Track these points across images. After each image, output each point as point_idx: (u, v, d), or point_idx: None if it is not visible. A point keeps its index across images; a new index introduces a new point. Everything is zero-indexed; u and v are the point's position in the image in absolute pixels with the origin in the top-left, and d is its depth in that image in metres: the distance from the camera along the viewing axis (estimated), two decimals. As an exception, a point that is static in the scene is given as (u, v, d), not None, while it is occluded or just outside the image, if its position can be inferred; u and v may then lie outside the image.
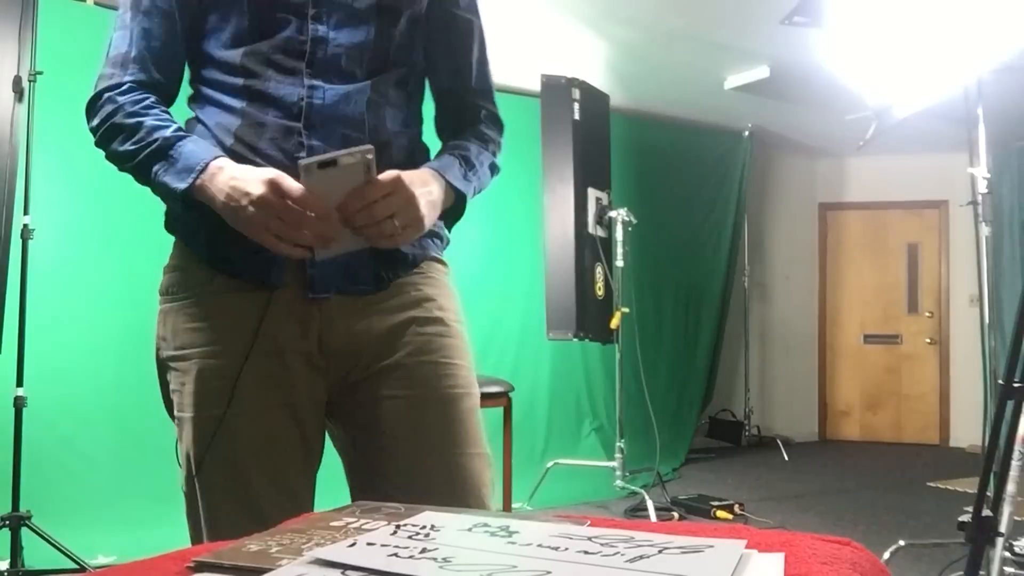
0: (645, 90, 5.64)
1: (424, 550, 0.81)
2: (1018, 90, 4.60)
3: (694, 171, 6.37)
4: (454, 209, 1.24)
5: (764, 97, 5.61)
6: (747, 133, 6.46)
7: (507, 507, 3.25)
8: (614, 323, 4.48)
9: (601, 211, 4.57)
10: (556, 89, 4.50)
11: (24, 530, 2.89)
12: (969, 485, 4.97)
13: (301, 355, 1.18)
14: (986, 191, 3.15)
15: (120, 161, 1.21)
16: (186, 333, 1.19)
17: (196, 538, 1.25)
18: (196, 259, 1.20)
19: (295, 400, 1.18)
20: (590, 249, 4.49)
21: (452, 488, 1.19)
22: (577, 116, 4.46)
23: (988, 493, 2.00)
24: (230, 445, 1.16)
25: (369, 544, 0.85)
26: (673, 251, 6.20)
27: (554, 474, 4.60)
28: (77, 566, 2.89)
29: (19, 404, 2.96)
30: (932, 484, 5.20)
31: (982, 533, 1.86)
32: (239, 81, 1.18)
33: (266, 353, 1.16)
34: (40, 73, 3.04)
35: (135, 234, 4.02)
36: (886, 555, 3.15)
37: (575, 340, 4.47)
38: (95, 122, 1.24)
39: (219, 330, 1.17)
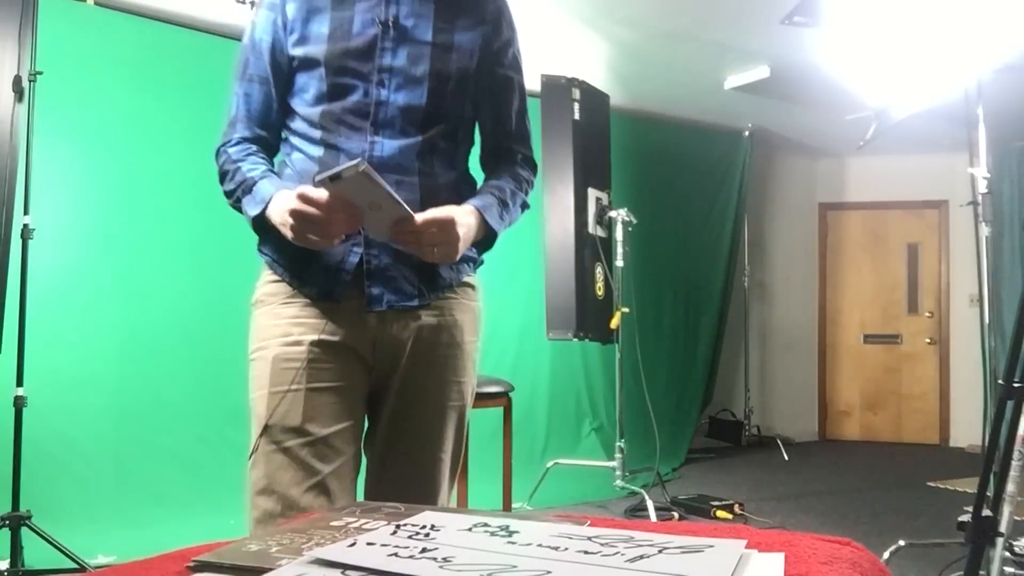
0: (645, 90, 5.64)
1: (424, 550, 0.81)
2: (1018, 90, 4.60)
3: (694, 171, 6.37)
4: (486, 241, 1.55)
5: (764, 97, 5.61)
6: (747, 133, 6.46)
7: (507, 507, 3.25)
8: (614, 323, 4.48)
9: (601, 211, 4.57)
10: (556, 89, 4.50)
11: (24, 530, 2.89)
12: (969, 485, 4.97)
13: (355, 353, 1.45)
14: (986, 191, 3.15)
15: (227, 197, 1.51)
16: (267, 329, 1.45)
17: (252, 502, 1.43)
18: (279, 279, 1.48)
19: (345, 384, 1.44)
20: (590, 249, 4.49)
21: (411, 478, 1.50)
22: (577, 116, 4.46)
23: (988, 493, 2.00)
24: (292, 412, 1.40)
25: (369, 544, 0.85)
26: (673, 251, 6.20)
27: (554, 474, 4.60)
28: (77, 566, 2.90)
29: (19, 404, 2.96)
30: (932, 484, 5.20)
31: (982, 533, 1.86)
32: (317, 134, 1.45)
33: (327, 348, 1.43)
34: (40, 73, 3.04)
35: (135, 234, 4.03)
36: (886, 555, 3.15)
37: (575, 340, 4.47)
38: (217, 170, 1.52)
39: (293, 328, 1.43)
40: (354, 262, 1.42)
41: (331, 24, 1.43)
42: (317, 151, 1.45)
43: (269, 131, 1.53)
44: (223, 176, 1.50)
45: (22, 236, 2.98)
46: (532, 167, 1.67)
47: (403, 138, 1.44)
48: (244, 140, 1.50)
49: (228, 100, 1.53)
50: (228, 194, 1.50)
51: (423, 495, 1.49)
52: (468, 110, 1.53)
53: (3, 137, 3.00)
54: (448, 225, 1.33)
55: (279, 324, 1.44)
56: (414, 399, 1.50)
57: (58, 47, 3.62)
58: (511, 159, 1.62)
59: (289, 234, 1.32)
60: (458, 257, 1.40)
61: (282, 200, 1.34)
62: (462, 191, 1.52)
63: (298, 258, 1.43)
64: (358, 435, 1.48)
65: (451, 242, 1.35)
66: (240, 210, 1.47)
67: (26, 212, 3.01)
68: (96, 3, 3.97)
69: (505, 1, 1.56)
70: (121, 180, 3.99)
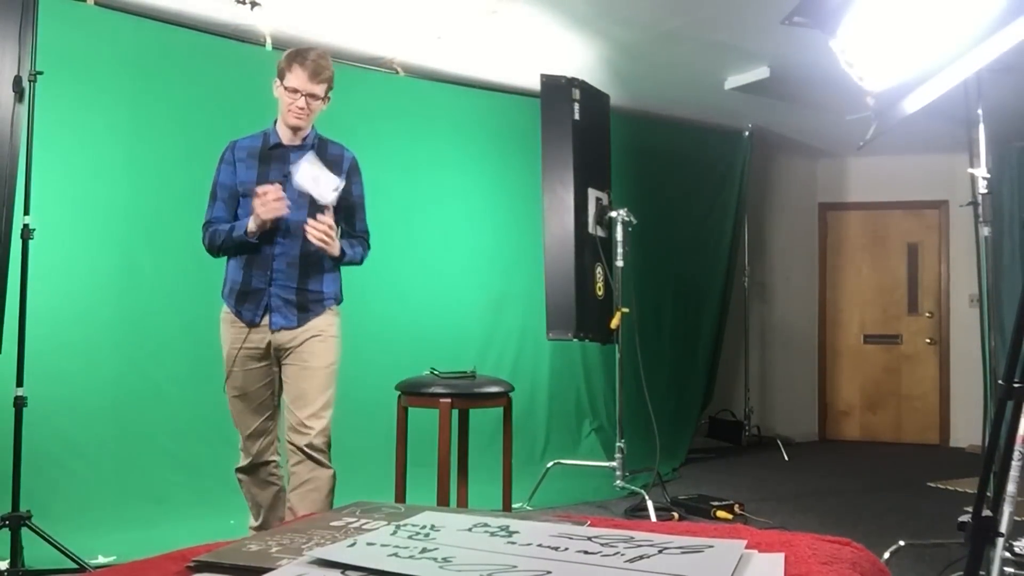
0: (645, 90, 5.64)
1: (424, 550, 0.81)
2: (1018, 90, 4.60)
3: (694, 171, 6.37)
4: (338, 260, 2.76)
5: (764, 97, 5.61)
6: (747, 133, 6.46)
7: (507, 507, 3.25)
8: (614, 323, 4.48)
9: (601, 211, 4.56)
10: (556, 89, 4.49)
11: (24, 530, 2.89)
12: (969, 485, 4.97)
13: (262, 350, 2.71)
14: (986, 191, 3.15)
15: (219, 247, 2.73)
16: (224, 332, 2.76)
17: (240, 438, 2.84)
18: (225, 308, 2.75)
19: (260, 367, 2.73)
20: (590, 249, 4.48)
21: (298, 400, 2.69)
22: (577, 116, 4.46)
23: (988, 493, 2.00)
24: (234, 384, 2.74)
25: (369, 544, 0.85)
26: (673, 251, 6.20)
27: (554, 474, 4.60)
28: (77, 566, 2.90)
29: (19, 404, 2.96)
30: (932, 484, 5.20)
31: (982, 533, 1.86)
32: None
33: (248, 348, 2.70)
34: (40, 73, 3.04)
35: (135, 234, 4.03)
36: (886, 555, 3.15)
37: (575, 340, 4.47)
38: (205, 238, 2.76)
39: (232, 338, 2.73)
40: (264, 304, 2.69)
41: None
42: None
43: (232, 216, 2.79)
44: (212, 237, 2.77)
45: (22, 236, 2.98)
46: (367, 244, 2.91)
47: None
48: (216, 221, 2.78)
49: (208, 203, 2.85)
50: (218, 245, 2.74)
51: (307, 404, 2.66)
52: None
53: (3, 137, 2.99)
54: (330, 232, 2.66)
55: (227, 335, 2.75)
56: (295, 366, 2.70)
57: (58, 47, 3.62)
58: (359, 238, 2.89)
59: (261, 218, 2.58)
60: (331, 253, 2.68)
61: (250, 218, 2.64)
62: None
63: (236, 303, 2.71)
64: (275, 394, 2.77)
65: (330, 238, 2.64)
66: (231, 245, 2.69)
67: (26, 212, 3.01)
68: (96, 3, 3.97)
69: (354, 154, 2.84)
70: (121, 180, 3.99)
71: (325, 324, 2.70)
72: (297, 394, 2.65)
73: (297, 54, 2.66)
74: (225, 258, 2.74)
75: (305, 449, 2.60)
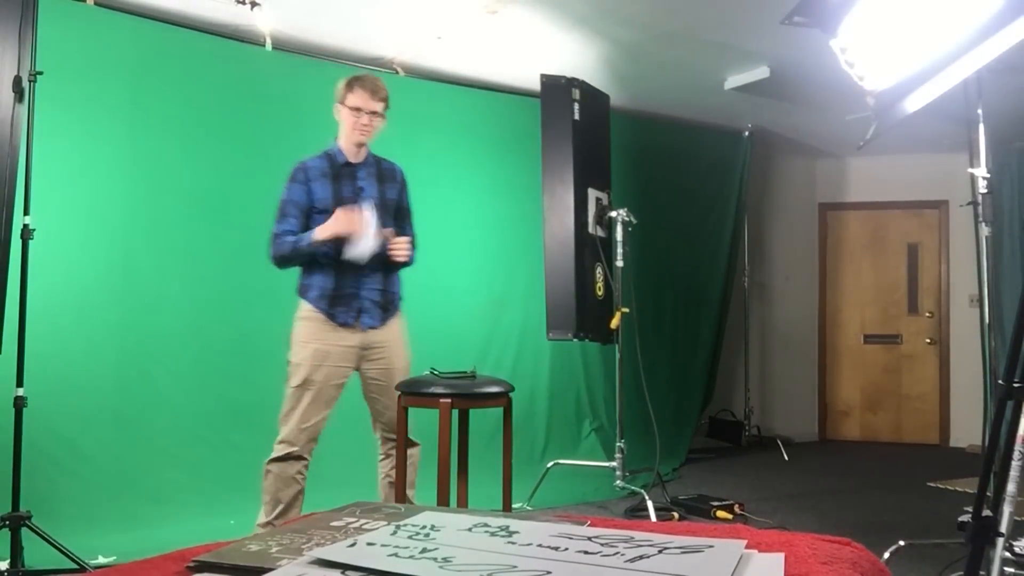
0: (645, 90, 5.64)
1: (424, 550, 0.81)
2: (1018, 90, 4.60)
3: (694, 171, 6.37)
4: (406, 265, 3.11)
5: (764, 97, 5.61)
6: (747, 133, 6.46)
7: (507, 507, 3.25)
8: (614, 323, 4.48)
9: (601, 211, 4.56)
10: (556, 89, 4.49)
11: (24, 530, 2.89)
12: (969, 485, 4.97)
13: (352, 348, 3.00)
14: (986, 191, 3.15)
15: (286, 258, 2.98)
16: (310, 333, 2.97)
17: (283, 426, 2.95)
18: (314, 311, 2.97)
19: (344, 366, 3.00)
20: (590, 249, 4.48)
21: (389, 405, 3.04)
22: (577, 116, 4.46)
23: (988, 493, 2.00)
24: (312, 378, 2.93)
25: (369, 544, 0.85)
26: (673, 251, 6.20)
27: (554, 474, 4.60)
28: (77, 566, 2.90)
29: (19, 404, 2.96)
30: (932, 484, 5.20)
31: (982, 533, 1.86)
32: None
33: (340, 346, 2.97)
34: (40, 73, 3.04)
35: (135, 234, 4.03)
36: (886, 555, 3.15)
37: (575, 340, 4.47)
38: (272, 249, 2.96)
39: (322, 337, 2.96)
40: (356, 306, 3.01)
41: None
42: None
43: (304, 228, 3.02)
44: (280, 247, 2.98)
45: (22, 236, 2.98)
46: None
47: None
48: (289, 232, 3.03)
49: (277, 225, 3.04)
50: (289, 254, 2.97)
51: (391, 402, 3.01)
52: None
53: (3, 137, 3.00)
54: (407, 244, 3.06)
55: (314, 333, 2.97)
56: (379, 370, 3.08)
57: (58, 47, 3.62)
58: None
59: (334, 229, 2.88)
60: (405, 264, 3.08)
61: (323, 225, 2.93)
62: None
63: (325, 302, 2.98)
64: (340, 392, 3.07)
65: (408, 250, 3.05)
66: (300, 254, 2.94)
67: (26, 212, 3.01)
68: (96, 3, 3.97)
69: (402, 170, 3.18)
70: (121, 180, 3.99)
71: (399, 325, 3.12)
72: (386, 390, 3.02)
73: (355, 78, 3.03)
74: (292, 267, 3.03)
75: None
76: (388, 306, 3.05)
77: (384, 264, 3.01)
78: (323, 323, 2.94)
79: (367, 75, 3.08)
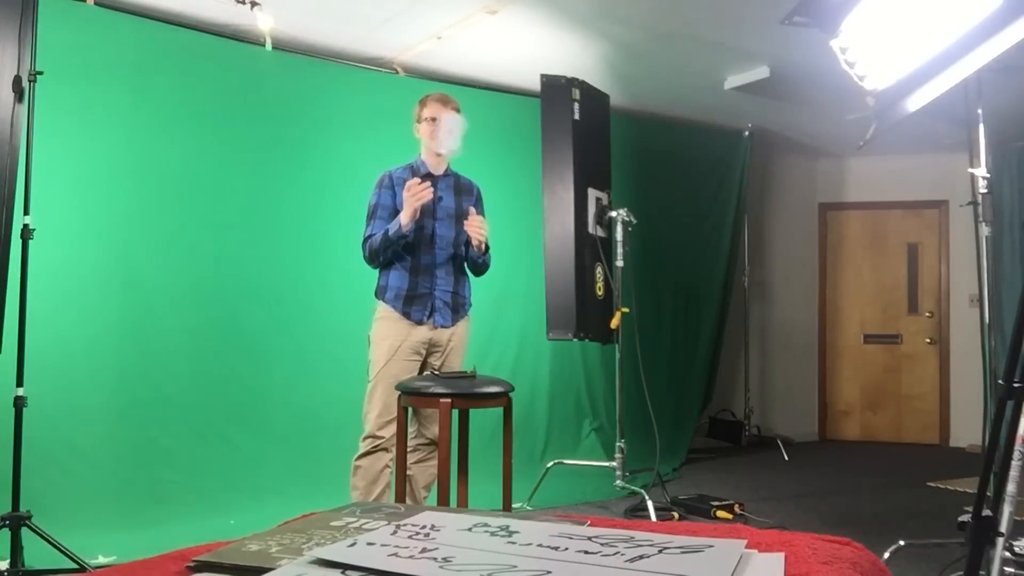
0: (645, 90, 5.64)
1: (424, 550, 0.81)
2: (1018, 90, 4.60)
3: (694, 171, 6.36)
4: (479, 266, 3.34)
5: (764, 97, 5.61)
6: (747, 133, 6.46)
7: (507, 507, 3.25)
8: (614, 323, 4.48)
9: (601, 211, 4.56)
10: (556, 89, 4.49)
11: (24, 530, 2.89)
12: (969, 485, 4.97)
13: (424, 344, 3.17)
14: (986, 191, 3.15)
15: (378, 252, 3.15)
16: (386, 330, 3.16)
17: (369, 419, 3.10)
18: (391, 310, 3.17)
19: (416, 360, 3.16)
20: (590, 249, 4.48)
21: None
22: (577, 116, 4.46)
23: (988, 493, 2.00)
24: (392, 372, 3.05)
25: (369, 544, 0.85)
26: (673, 251, 6.20)
27: (554, 474, 4.60)
28: (77, 566, 2.89)
29: (19, 404, 2.96)
30: (932, 484, 5.20)
31: (982, 533, 1.86)
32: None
33: (413, 342, 3.15)
34: (40, 73, 3.04)
35: (135, 234, 4.03)
36: (886, 555, 3.15)
37: (575, 340, 4.47)
38: (365, 250, 3.19)
39: (397, 334, 3.13)
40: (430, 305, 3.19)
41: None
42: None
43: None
44: (371, 244, 3.18)
45: (22, 236, 2.97)
46: (488, 253, 3.33)
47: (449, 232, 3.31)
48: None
49: (368, 224, 3.28)
50: (379, 249, 3.14)
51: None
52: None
53: (3, 137, 2.99)
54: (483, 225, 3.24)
55: (391, 329, 3.16)
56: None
57: (58, 47, 3.62)
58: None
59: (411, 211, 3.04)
60: (482, 246, 3.23)
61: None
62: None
63: (400, 303, 3.17)
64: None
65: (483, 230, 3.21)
66: (389, 245, 3.11)
67: (26, 212, 3.00)
68: (96, 3, 3.97)
69: (479, 187, 3.43)
70: (121, 180, 3.99)
71: (465, 329, 3.30)
72: None
73: (426, 96, 3.30)
74: (379, 269, 3.23)
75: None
76: (459, 308, 3.26)
77: (457, 267, 3.25)
78: (398, 321, 3.14)
79: (434, 91, 3.38)
